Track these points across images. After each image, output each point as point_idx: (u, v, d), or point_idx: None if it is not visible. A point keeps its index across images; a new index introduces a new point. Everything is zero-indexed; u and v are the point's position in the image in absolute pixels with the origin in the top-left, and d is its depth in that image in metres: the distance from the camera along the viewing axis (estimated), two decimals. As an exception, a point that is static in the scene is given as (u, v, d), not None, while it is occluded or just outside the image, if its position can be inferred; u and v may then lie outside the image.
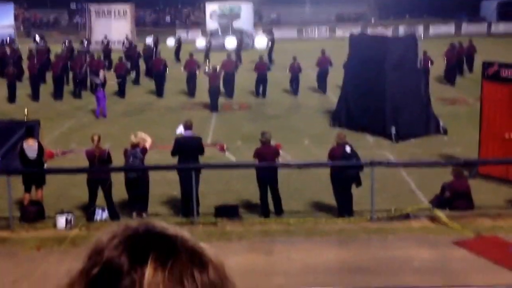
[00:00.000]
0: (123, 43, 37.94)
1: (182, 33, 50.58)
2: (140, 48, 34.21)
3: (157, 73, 26.86)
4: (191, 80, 26.31)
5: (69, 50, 33.72)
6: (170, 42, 42.05)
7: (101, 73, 23.97)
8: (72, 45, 36.10)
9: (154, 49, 32.80)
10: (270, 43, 37.49)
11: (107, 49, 35.72)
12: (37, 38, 40.16)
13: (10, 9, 49.25)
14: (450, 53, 28.79)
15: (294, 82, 26.54)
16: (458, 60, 29.61)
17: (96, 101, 22.87)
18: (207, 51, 35.75)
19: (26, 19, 64.71)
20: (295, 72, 26.42)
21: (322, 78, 26.62)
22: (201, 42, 40.71)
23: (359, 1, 67.42)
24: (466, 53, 31.07)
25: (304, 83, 26.84)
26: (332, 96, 22.43)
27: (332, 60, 26.68)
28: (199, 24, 53.15)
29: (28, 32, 50.50)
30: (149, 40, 38.18)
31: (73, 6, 67.84)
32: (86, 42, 38.41)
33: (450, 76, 28.00)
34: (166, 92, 26.64)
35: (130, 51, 33.44)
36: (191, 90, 26.26)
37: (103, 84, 23.08)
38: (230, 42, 39.84)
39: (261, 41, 42.71)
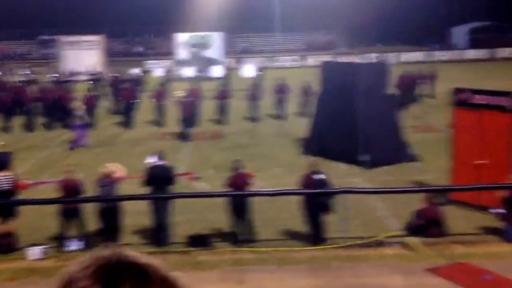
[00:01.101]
0: (98, 73, 38.02)
1: (153, 63, 50.75)
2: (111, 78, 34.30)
3: (127, 103, 26.87)
4: (161, 110, 26.41)
5: (32, 82, 33.65)
6: (158, 72, 41.86)
7: (78, 104, 23.95)
8: (36, 77, 36.03)
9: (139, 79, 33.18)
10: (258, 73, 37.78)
11: (77, 81, 35.77)
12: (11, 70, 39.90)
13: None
14: (399, 81, 29.60)
15: (281, 104, 27.42)
16: (409, 88, 30.25)
17: (74, 133, 22.80)
18: (178, 81, 35.98)
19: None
20: (281, 95, 27.14)
21: (281, 104, 27.62)
22: (172, 72, 40.86)
23: (330, 29, 68.32)
24: (429, 80, 32.02)
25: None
26: (304, 124, 22.59)
27: (289, 87, 27.90)
28: (170, 54, 53.26)
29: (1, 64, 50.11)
30: (137, 70, 38.46)
31: (43, 37, 67.64)
32: (58, 74, 38.33)
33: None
34: (136, 122, 26.63)
35: (112, 80, 33.72)
36: (161, 119, 26.33)
37: (82, 116, 23.01)
38: (202, 71, 40.12)
39: (218, 70, 43.07)
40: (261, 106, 27.44)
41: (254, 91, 27.85)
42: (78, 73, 38.08)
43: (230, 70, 44.05)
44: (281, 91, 27.89)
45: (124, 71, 36.23)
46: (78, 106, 23.77)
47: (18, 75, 38.83)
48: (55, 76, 37.05)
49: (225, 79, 37.25)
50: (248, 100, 27.51)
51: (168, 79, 37.14)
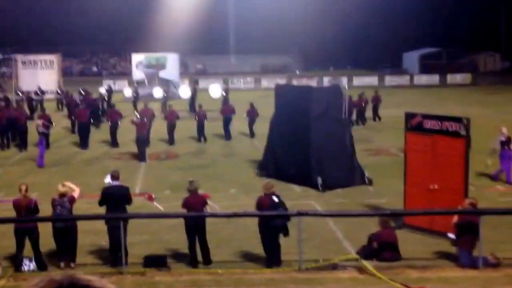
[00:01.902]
0: (57, 92, 37.71)
1: (109, 83, 50.50)
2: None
3: (82, 124, 26.65)
4: (115, 130, 26.35)
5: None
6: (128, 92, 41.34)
7: (41, 122, 23.77)
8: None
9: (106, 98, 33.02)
10: (192, 92, 37.95)
11: (32, 99, 35.40)
12: None
13: None
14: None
15: (251, 127, 28.03)
16: (354, 111, 31.24)
17: (39, 150, 22.62)
18: (135, 101, 35.96)
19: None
20: (252, 117, 27.44)
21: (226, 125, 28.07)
22: (128, 92, 40.71)
23: (284, 52, 69.15)
24: (372, 103, 32.96)
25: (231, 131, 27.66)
26: (260, 145, 22.88)
27: (235, 109, 28.53)
28: (126, 74, 53.17)
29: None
30: (103, 89, 38.33)
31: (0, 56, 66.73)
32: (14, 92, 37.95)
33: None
34: (92, 142, 26.45)
35: (67, 100, 33.46)
36: (115, 140, 26.26)
37: (46, 133, 22.88)
38: (157, 92, 40.01)
39: (186, 91, 43.13)
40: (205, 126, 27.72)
41: (202, 111, 28.01)
42: (33, 92, 37.63)
43: (181, 91, 44.20)
44: (227, 111, 28.34)
45: (79, 91, 35.96)
46: (38, 124, 23.64)
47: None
48: (18, 94, 36.78)
49: (174, 99, 37.37)
50: (196, 120, 27.71)
51: (130, 99, 37.15)
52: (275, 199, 12.35)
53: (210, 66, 68.40)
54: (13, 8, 78.02)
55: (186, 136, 27.63)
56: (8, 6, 77.95)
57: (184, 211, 12.56)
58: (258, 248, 12.54)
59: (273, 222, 12.27)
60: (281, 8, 66.15)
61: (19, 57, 47.13)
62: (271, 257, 12.22)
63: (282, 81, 44.54)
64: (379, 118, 32.79)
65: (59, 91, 39.02)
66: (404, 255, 12.43)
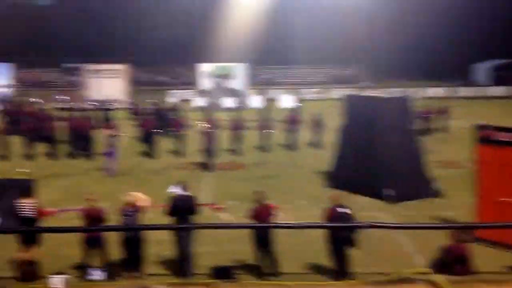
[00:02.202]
0: (125, 101, 38.36)
1: (176, 93, 51.14)
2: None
3: (149, 134, 26.94)
4: (182, 140, 26.51)
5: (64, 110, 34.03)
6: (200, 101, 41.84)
7: (110, 131, 24.07)
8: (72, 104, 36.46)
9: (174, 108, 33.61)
10: (262, 102, 38.05)
11: (101, 109, 36.13)
12: (34, 99, 40.19)
13: (8, 69, 49.74)
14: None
15: (292, 135, 27.93)
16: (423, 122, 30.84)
17: (106, 159, 23.02)
18: (203, 110, 36.20)
19: (21, 79, 65.17)
20: (318, 127, 27.50)
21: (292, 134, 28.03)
22: (195, 102, 41.12)
23: (354, 62, 68.44)
24: (441, 115, 32.34)
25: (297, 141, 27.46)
26: (326, 155, 22.58)
27: (301, 119, 28.82)
28: (193, 83, 53.68)
29: (25, 91, 50.83)
30: (171, 99, 38.85)
31: (68, 65, 68.56)
32: (82, 101, 38.81)
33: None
34: (159, 151, 26.68)
35: (136, 109, 34.01)
36: (182, 150, 26.42)
37: (114, 143, 23.14)
38: (225, 102, 40.28)
39: (255, 101, 43.25)
40: (272, 136, 27.71)
41: (265, 121, 28.14)
42: (101, 101, 38.49)
43: (249, 101, 44.29)
44: (292, 121, 28.23)
45: (149, 100, 36.50)
46: (107, 133, 23.95)
47: (55, 102, 39.10)
48: (86, 103, 37.74)
49: (242, 109, 37.45)
50: (259, 130, 27.79)
51: (198, 109, 37.47)
52: (343, 210, 12.07)
53: (278, 76, 68.35)
54: (82, 18, 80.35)
55: (251, 146, 27.59)
56: (77, 16, 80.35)
57: (252, 221, 12.40)
58: (326, 261, 12.27)
59: (341, 234, 11.97)
60: (350, 18, 65.65)
61: (88, 67, 48.30)
62: (340, 270, 11.93)
63: (350, 91, 44.06)
64: (448, 130, 32.04)
65: (126, 101, 39.72)
66: (476, 269, 11.99)
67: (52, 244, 13.53)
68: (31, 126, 26.86)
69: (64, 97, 44.26)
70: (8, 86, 48.44)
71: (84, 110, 35.38)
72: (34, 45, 75.72)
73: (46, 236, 13.01)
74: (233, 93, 44.33)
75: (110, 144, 23.29)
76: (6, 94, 44.79)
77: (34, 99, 38.82)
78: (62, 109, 34.33)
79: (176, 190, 13.14)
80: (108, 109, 36.69)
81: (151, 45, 71.26)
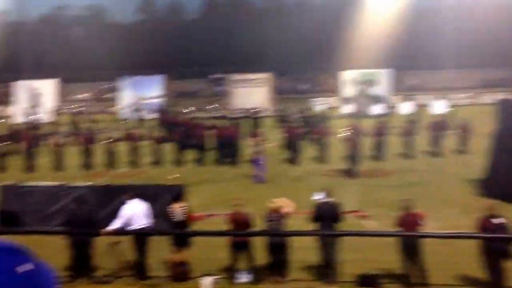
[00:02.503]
0: (269, 110, 38.99)
1: (318, 101, 51.25)
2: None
3: (293, 141, 27.16)
4: (323, 147, 26.48)
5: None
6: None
7: (256, 139, 24.58)
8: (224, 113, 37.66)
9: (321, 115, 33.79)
10: (410, 109, 37.18)
11: (249, 117, 37.05)
12: (187, 109, 41.76)
13: (159, 81, 52.34)
14: None
15: (437, 141, 27.16)
16: None
17: (254, 167, 23.52)
18: (350, 117, 36.01)
19: (172, 89, 68.33)
20: (438, 132, 26.76)
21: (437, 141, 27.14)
22: (340, 109, 41.02)
23: (506, 65, 65.00)
24: None
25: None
26: (474, 162, 21.61)
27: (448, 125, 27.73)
28: (335, 91, 53.57)
29: (175, 102, 53.26)
30: (317, 106, 39.10)
31: (215, 76, 70.96)
32: (228, 110, 39.96)
33: None
34: (302, 158, 26.82)
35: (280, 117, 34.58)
36: (323, 156, 26.39)
37: (261, 150, 23.61)
38: (370, 109, 39.83)
39: (403, 107, 42.38)
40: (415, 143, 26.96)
41: (409, 127, 27.40)
42: (247, 110, 39.48)
43: (393, 107, 43.39)
44: (438, 128, 27.28)
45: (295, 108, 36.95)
46: (253, 141, 24.45)
47: (204, 111, 40.58)
48: (234, 112, 38.98)
49: (387, 116, 36.78)
50: (403, 136, 27.09)
51: (344, 116, 37.32)
52: (499, 221, 11.45)
53: (425, 82, 66.43)
54: (226, 29, 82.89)
55: (395, 153, 27.01)
56: (222, 28, 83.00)
57: (399, 230, 12.11)
58: (478, 273, 11.69)
59: (496, 246, 11.36)
60: (500, 16, 62.51)
61: (233, 77, 49.70)
62: (495, 283, 11.32)
63: (504, 96, 41.90)
64: None
65: (271, 109, 40.39)
66: None
67: (202, 247, 14.03)
68: (182, 134, 28.03)
69: (212, 107, 45.80)
70: (161, 97, 50.93)
71: (230, 118, 36.39)
72: (183, 57, 79.23)
73: (196, 239, 13.53)
74: (377, 99, 43.70)
75: (256, 151, 23.74)
76: (159, 105, 47.13)
77: (188, 109, 40.46)
78: (210, 118, 35.52)
79: (320, 197, 13.14)
80: (254, 118, 37.47)
81: (292, 53, 72.06)
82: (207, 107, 45.10)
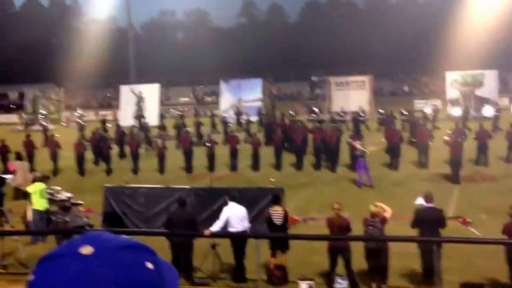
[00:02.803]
0: (363, 113, 38.53)
1: (419, 103, 50.12)
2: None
3: (393, 144, 26.60)
4: (424, 149, 25.83)
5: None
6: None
7: (357, 142, 24.27)
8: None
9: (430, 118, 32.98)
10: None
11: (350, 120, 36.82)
12: (292, 111, 41.77)
13: (259, 84, 52.86)
14: None
15: None
16: None
17: (357, 171, 23.29)
18: (451, 120, 34.96)
19: (271, 92, 68.89)
20: None
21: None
22: (444, 111, 39.93)
23: None
24: None
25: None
26: None
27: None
28: (438, 93, 52.15)
29: (273, 105, 53.70)
30: (426, 109, 38.25)
31: (314, 78, 70.91)
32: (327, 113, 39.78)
33: None
34: (402, 162, 26.24)
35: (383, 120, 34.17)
36: (423, 160, 25.73)
37: (362, 154, 23.26)
38: (486, 111, 38.61)
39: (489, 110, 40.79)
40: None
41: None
42: (347, 113, 39.24)
43: (501, 110, 41.71)
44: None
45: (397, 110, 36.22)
46: (354, 144, 24.13)
47: (304, 114, 40.53)
48: (334, 115, 38.84)
49: (495, 119, 35.36)
50: (508, 140, 25.73)
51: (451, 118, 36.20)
52: None
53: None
54: (326, 30, 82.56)
55: (499, 157, 25.77)
56: (322, 30, 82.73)
57: (505, 237, 11.65)
58: None
59: None
60: None
61: (332, 79, 49.43)
62: None
63: None
64: None
65: (372, 112, 39.87)
66: None
67: (300, 250, 14.06)
68: (282, 137, 28.09)
69: (312, 109, 45.75)
70: (260, 100, 51.44)
71: (330, 121, 36.20)
72: (283, 60, 79.70)
73: (294, 242, 13.58)
74: (483, 101, 42.17)
75: (357, 155, 23.39)
76: (259, 108, 47.63)
77: (291, 112, 40.57)
78: (311, 121, 35.48)
79: (421, 201, 12.84)
80: (354, 121, 37.12)
81: (394, 55, 70.84)
82: (308, 110, 45.00)
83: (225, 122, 38.51)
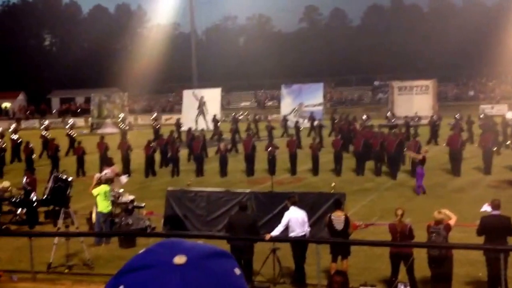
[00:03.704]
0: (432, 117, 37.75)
1: (486, 107, 48.92)
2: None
3: (454, 150, 25.91)
4: (487, 155, 25.14)
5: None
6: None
7: (417, 149, 23.83)
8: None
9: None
10: None
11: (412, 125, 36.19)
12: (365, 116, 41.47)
13: (320, 88, 52.74)
14: None
15: None
16: None
17: (416, 177, 22.73)
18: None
19: (332, 97, 68.53)
20: None
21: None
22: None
23: None
24: None
25: None
26: None
27: None
28: (506, 97, 50.83)
29: (334, 109, 53.42)
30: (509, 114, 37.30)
31: (376, 83, 70.17)
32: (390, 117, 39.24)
33: None
34: (464, 169, 25.58)
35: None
36: (488, 166, 25.05)
37: (422, 160, 22.72)
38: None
39: None
40: None
41: None
42: (410, 118, 38.66)
43: None
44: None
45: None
46: (416, 150, 23.69)
47: (364, 119, 40.12)
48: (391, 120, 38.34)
49: None
50: None
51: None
52: None
53: None
54: (389, 34, 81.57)
55: None
56: (383, 34, 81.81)
57: None
58: None
59: None
60: None
61: (395, 84, 48.81)
62: None
63: None
64: None
65: (435, 116, 39.12)
66: None
67: (361, 256, 13.91)
68: (338, 143, 27.77)
69: (368, 115, 45.26)
70: (321, 104, 51.29)
71: (391, 126, 35.71)
72: (345, 64, 79.18)
73: (355, 248, 13.43)
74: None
75: (416, 162, 22.90)
76: (320, 112, 47.52)
77: (364, 117, 40.27)
78: (371, 125, 35.04)
79: (488, 209, 12.49)
80: (415, 125, 36.55)
81: (459, 58, 69.39)
82: (367, 115, 44.51)
83: (286, 126, 38.55)
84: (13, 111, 77.12)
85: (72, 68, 77.47)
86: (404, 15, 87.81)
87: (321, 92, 52.57)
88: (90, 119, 57.34)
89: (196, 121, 46.68)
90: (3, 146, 32.36)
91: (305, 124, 42.09)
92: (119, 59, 74.60)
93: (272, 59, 74.17)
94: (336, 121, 39.76)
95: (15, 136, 34.68)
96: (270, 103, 68.55)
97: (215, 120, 43.82)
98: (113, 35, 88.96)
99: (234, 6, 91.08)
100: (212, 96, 50.30)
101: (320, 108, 50.08)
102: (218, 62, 77.72)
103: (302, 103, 50.70)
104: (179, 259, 1.25)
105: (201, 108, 49.47)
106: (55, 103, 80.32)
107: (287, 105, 51.78)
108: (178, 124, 40.68)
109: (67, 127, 42.48)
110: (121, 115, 51.79)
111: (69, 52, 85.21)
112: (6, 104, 79.54)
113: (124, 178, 20.12)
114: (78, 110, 72.12)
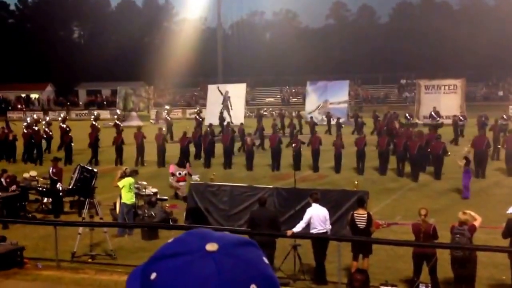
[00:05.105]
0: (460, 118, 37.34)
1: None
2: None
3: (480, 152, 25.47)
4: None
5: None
6: None
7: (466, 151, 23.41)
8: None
9: None
10: None
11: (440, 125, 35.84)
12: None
13: (346, 86, 52.49)
14: None
15: None
16: None
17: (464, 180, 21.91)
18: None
19: (358, 95, 68.21)
20: None
21: None
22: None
23: None
24: None
25: None
26: None
27: None
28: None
29: (360, 107, 53.23)
30: None
31: (403, 81, 69.67)
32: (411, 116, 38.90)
33: None
34: (489, 170, 25.24)
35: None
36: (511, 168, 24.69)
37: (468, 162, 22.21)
38: None
39: None
40: None
41: None
42: (438, 117, 38.29)
43: None
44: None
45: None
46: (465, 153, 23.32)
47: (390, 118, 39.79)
48: (410, 119, 37.95)
49: None
50: None
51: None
52: None
53: None
54: (417, 32, 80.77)
55: None
56: (412, 32, 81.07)
57: None
58: None
59: None
60: None
61: (423, 82, 48.35)
62: None
63: None
64: None
65: (463, 116, 38.69)
66: None
67: (383, 255, 13.82)
68: (385, 141, 27.25)
69: (411, 113, 44.86)
70: (347, 101, 51.06)
71: (437, 126, 35.28)
72: (372, 61, 78.67)
73: (377, 247, 13.35)
74: None
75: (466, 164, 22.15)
76: (345, 110, 47.33)
77: (407, 114, 40.03)
78: (411, 124, 34.77)
79: (512, 211, 12.32)
80: (440, 125, 36.15)
81: (488, 59, 68.54)
82: (395, 113, 44.18)
83: (312, 123, 38.37)
84: (41, 102, 78.05)
85: (99, 61, 78.19)
86: (434, 12, 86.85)
87: (347, 89, 52.30)
88: (118, 111, 57.73)
89: (221, 115, 46.68)
90: (50, 134, 34.25)
91: (332, 120, 41.87)
92: (146, 53, 75.08)
93: (298, 55, 73.93)
94: (379, 119, 39.40)
95: (63, 125, 35.46)
96: (294, 100, 68.46)
97: (258, 115, 44.03)
98: (141, 29, 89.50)
99: (261, 1, 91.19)
100: (237, 92, 50.25)
101: (345, 105, 49.83)
102: (244, 57, 77.79)
103: (327, 100, 50.48)
104: (211, 246, 1.25)
105: (226, 103, 49.49)
106: (82, 95, 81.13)
107: (312, 101, 51.61)
108: (198, 117, 40.99)
109: (92, 117, 42.88)
110: (167, 107, 51.53)
111: (96, 45, 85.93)
112: (35, 95, 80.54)
113: (196, 178, 20.58)
114: (104, 103, 72.75)
